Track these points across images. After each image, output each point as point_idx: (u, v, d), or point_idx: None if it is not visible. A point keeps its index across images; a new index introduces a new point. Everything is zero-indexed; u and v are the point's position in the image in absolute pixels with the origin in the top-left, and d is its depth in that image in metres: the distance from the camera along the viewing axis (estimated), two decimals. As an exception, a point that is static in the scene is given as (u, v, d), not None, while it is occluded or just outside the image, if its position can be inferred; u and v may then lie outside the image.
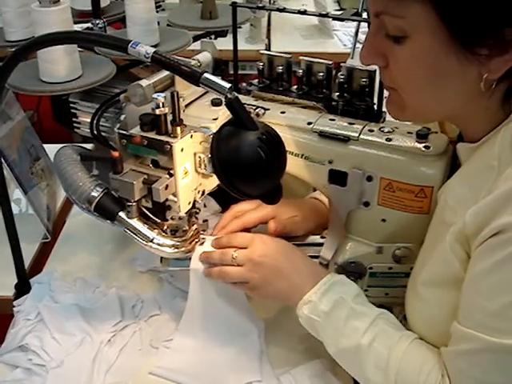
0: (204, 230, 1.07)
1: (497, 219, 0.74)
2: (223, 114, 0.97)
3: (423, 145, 0.95)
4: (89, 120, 1.14)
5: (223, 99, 0.84)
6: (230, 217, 1.12)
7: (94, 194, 1.00)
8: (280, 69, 1.10)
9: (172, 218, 1.00)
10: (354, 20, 1.10)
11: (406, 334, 0.90)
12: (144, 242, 1.00)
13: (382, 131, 0.99)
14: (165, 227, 1.02)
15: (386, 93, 1.01)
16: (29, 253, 1.29)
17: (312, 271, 0.98)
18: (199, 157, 0.96)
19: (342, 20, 1.10)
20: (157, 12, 1.33)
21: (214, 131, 0.92)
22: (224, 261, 1.00)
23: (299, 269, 0.98)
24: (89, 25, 1.40)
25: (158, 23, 1.34)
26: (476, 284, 0.78)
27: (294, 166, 1.01)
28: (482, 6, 0.71)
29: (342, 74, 1.04)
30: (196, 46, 1.40)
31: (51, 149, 1.41)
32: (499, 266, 0.74)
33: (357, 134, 0.98)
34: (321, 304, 0.93)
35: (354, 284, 0.97)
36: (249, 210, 1.13)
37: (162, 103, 0.90)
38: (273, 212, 1.12)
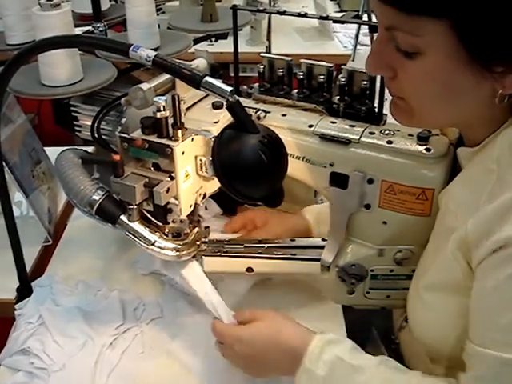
0: (206, 237, 1.07)
1: (498, 232, 0.74)
2: (224, 117, 0.97)
3: (424, 147, 0.95)
4: (90, 123, 1.14)
5: (224, 102, 0.84)
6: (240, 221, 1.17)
7: (96, 197, 1.00)
8: (281, 72, 1.10)
9: (173, 221, 1.00)
10: (354, 23, 1.10)
11: (412, 374, 0.88)
12: (145, 246, 1.00)
13: (383, 134, 0.99)
14: (166, 230, 1.02)
15: (386, 95, 1.01)
16: (30, 256, 1.29)
17: (294, 352, 0.91)
18: (200, 160, 0.96)
19: (342, 22, 1.11)
20: (157, 15, 1.33)
21: (215, 134, 0.92)
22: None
23: (278, 361, 0.93)
24: (89, 28, 1.41)
25: (159, 26, 1.34)
26: (485, 301, 0.77)
27: (295, 168, 1.01)
28: (501, 26, 0.70)
29: (342, 77, 1.04)
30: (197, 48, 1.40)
31: (52, 152, 1.41)
32: (509, 281, 0.74)
33: (358, 137, 0.98)
34: (317, 369, 0.88)
35: (344, 339, 0.93)
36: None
37: (163, 106, 0.90)
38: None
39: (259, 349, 0.94)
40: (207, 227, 1.08)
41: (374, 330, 1.15)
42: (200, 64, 1.07)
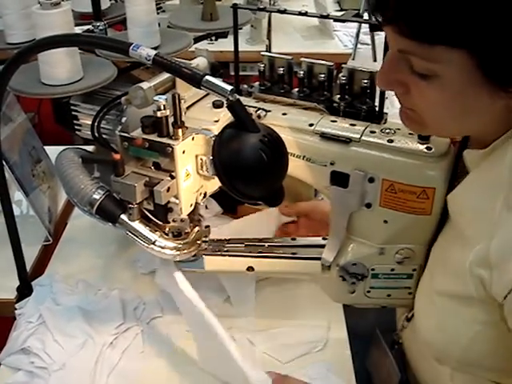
0: (206, 236, 1.07)
1: None
2: (224, 116, 0.97)
3: (425, 146, 0.94)
4: (90, 122, 1.14)
5: (225, 101, 0.84)
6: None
7: (96, 196, 1.00)
8: (281, 70, 1.10)
9: (174, 221, 1.00)
10: (355, 21, 1.09)
11: None
12: (146, 245, 1.00)
13: (384, 132, 0.98)
14: (167, 229, 1.01)
15: (387, 94, 1.01)
16: (30, 255, 1.29)
17: None
18: (201, 159, 0.95)
19: (343, 21, 1.10)
20: (157, 14, 1.33)
21: (216, 133, 0.92)
22: None
23: None
24: (89, 27, 1.40)
25: (159, 25, 1.34)
26: None
27: (295, 167, 1.01)
28: None
29: (343, 76, 1.04)
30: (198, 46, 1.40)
31: (52, 151, 1.41)
32: None
33: (358, 136, 0.98)
34: None
35: None
36: None
37: (164, 105, 0.89)
38: None
39: None
40: (208, 226, 1.08)
41: (378, 330, 1.14)
42: (200, 63, 1.07)
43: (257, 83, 1.14)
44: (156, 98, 0.90)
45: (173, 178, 0.94)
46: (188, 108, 1.01)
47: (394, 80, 0.80)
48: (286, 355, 1.07)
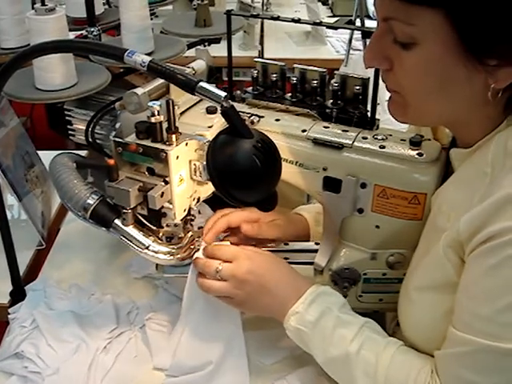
0: (199, 237, 1.08)
1: (489, 226, 0.75)
2: (218, 122, 0.98)
3: (416, 152, 0.96)
4: (84, 127, 1.15)
5: (219, 107, 0.85)
6: (215, 219, 1.13)
7: (90, 201, 1.01)
8: (274, 77, 1.11)
9: (167, 225, 1.00)
10: (347, 28, 1.10)
11: (392, 341, 0.91)
12: (140, 249, 1.01)
13: (376, 138, 0.99)
14: (160, 234, 1.02)
15: (379, 100, 1.02)
16: (23, 260, 1.29)
17: (297, 284, 0.97)
18: (194, 164, 0.96)
19: (335, 28, 1.11)
20: (151, 19, 1.34)
21: (209, 139, 0.93)
22: (207, 273, 0.99)
23: (284, 284, 0.97)
24: (83, 32, 1.41)
25: (152, 30, 1.34)
26: (469, 289, 0.79)
27: (288, 173, 1.02)
28: (496, 18, 0.72)
29: (335, 82, 1.05)
30: (190, 53, 1.41)
31: (45, 155, 1.41)
32: (491, 272, 0.76)
33: (351, 142, 0.99)
34: (307, 314, 0.93)
35: (339, 294, 0.98)
36: (234, 211, 1.13)
37: (158, 111, 0.90)
38: (257, 214, 1.12)
39: (269, 270, 0.98)
40: (200, 227, 1.09)
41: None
42: (199, 66, 1.07)
43: (250, 88, 1.15)
44: (150, 103, 0.90)
45: (166, 183, 0.94)
46: (182, 114, 1.02)
47: (379, 55, 0.83)
48: (273, 357, 1.08)
